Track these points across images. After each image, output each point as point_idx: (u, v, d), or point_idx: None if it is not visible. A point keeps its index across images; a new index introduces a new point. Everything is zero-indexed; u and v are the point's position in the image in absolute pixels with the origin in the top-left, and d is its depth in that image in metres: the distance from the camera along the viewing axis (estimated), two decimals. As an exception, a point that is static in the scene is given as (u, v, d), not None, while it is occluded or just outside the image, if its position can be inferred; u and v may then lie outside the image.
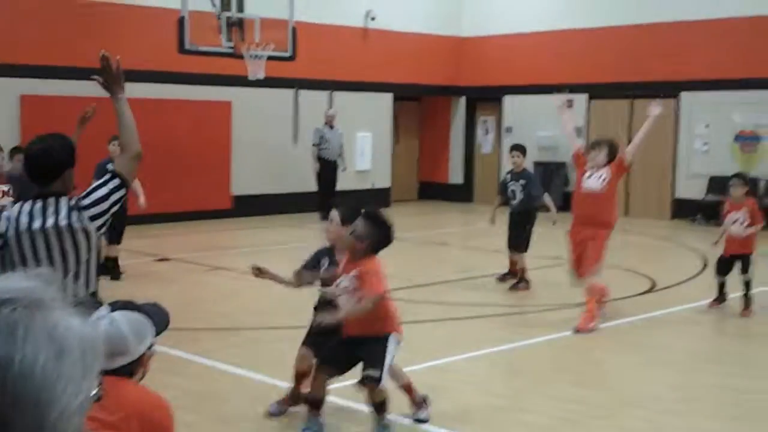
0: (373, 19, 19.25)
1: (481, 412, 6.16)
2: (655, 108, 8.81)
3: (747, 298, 8.95)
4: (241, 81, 15.19)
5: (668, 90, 17.58)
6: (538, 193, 10.53)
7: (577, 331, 8.19)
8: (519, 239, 10.36)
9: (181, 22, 13.51)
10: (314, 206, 17.19)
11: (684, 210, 17.28)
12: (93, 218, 4.11)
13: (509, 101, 20.32)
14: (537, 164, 18.42)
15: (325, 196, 17.15)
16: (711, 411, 6.22)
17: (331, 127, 17.30)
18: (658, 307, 9.48)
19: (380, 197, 19.46)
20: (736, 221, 8.91)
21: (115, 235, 10.37)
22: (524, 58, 19.80)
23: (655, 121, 8.80)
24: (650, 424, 5.88)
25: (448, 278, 11.20)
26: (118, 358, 2.83)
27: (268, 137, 17.66)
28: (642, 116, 17.64)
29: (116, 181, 4.17)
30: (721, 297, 9.21)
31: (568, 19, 19.11)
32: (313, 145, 17.15)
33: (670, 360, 7.55)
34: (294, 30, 14.79)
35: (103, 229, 4.23)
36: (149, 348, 2.95)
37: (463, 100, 21.36)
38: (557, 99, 9.63)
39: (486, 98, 20.88)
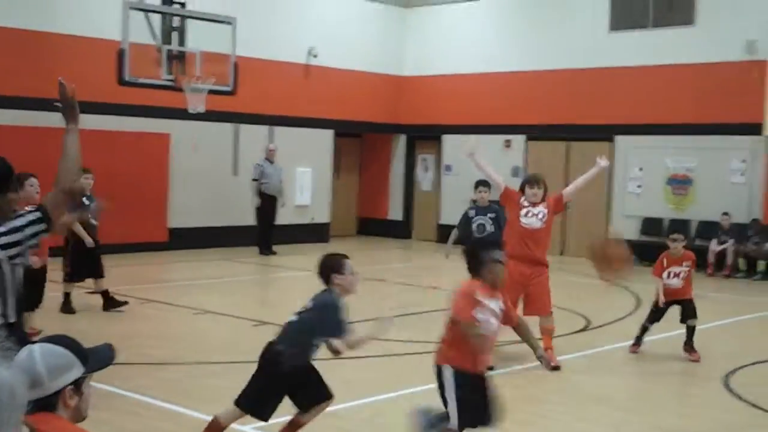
0: (315, 56, 19.34)
1: None
2: (603, 161, 8.96)
3: (691, 341, 8.99)
4: (181, 114, 15.10)
5: (603, 133, 17.98)
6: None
7: (555, 368, 8.02)
8: None
9: (121, 54, 13.40)
10: (253, 240, 17.10)
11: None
12: (4, 246, 3.99)
13: (448, 140, 20.54)
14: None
15: (264, 230, 17.11)
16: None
17: (272, 162, 17.28)
18: (593, 346, 9.60)
19: (319, 232, 19.45)
20: (678, 275, 8.98)
21: (78, 273, 10.42)
22: (464, 99, 20.08)
23: (600, 171, 8.93)
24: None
25: (385, 314, 11.15)
26: (32, 391, 2.74)
27: (207, 170, 17.54)
28: (578, 158, 18.10)
29: (36, 215, 4.02)
30: (639, 341, 9.26)
31: (507, 62, 19.46)
32: (254, 179, 17.11)
33: (604, 397, 7.62)
34: (235, 65, 14.77)
35: (18, 260, 4.08)
36: (77, 385, 2.86)
37: (403, 138, 21.53)
38: (467, 146, 9.41)
39: (426, 136, 21.08)
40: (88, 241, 10.40)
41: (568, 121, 18.52)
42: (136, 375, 7.77)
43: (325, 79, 19.61)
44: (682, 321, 9.06)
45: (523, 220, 8.51)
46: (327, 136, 19.88)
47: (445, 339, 5.33)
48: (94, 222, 10.66)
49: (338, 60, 19.83)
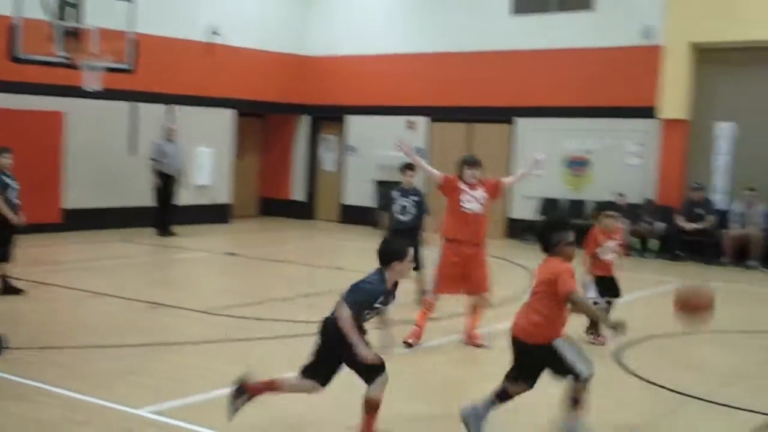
0: (216, 34, 19.00)
1: (314, 426, 6.11)
2: (539, 155, 9.22)
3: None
4: (77, 92, 14.65)
5: (504, 115, 18.23)
6: (427, 210, 10.56)
7: (478, 344, 8.51)
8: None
9: (12, 29, 12.91)
10: (150, 221, 16.74)
11: (517, 230, 17.90)
12: None
13: (352, 121, 20.50)
14: (379, 183, 18.64)
15: (162, 211, 16.76)
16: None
17: (171, 141, 16.92)
18: (493, 322, 9.71)
19: (220, 213, 19.20)
20: (614, 250, 9.15)
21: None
22: (367, 80, 20.07)
23: (537, 166, 9.06)
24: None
25: (288, 295, 11.10)
26: None
27: (103, 150, 17.06)
28: (480, 140, 18.31)
29: None
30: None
31: (411, 43, 19.51)
32: (151, 159, 16.73)
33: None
34: (134, 42, 14.41)
35: None
36: None
37: (307, 118, 21.38)
38: (402, 146, 9.19)
39: (329, 117, 20.99)
40: (15, 218, 10.10)
41: (470, 103, 18.70)
42: (27, 359, 7.51)
43: (227, 58, 19.30)
44: (607, 297, 9.07)
45: (465, 205, 8.49)
46: (229, 115, 19.58)
47: (538, 320, 5.68)
48: (17, 201, 10.28)
49: (241, 39, 19.54)
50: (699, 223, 15.43)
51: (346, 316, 5.50)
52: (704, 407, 6.95)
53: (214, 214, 18.97)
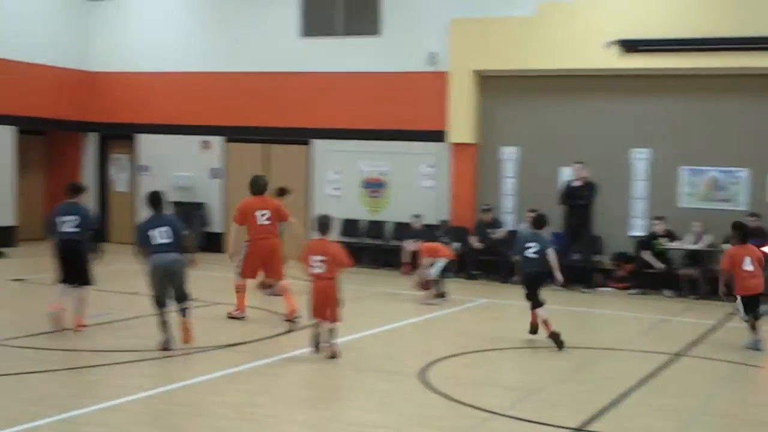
0: (-8, 47, 17.88)
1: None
2: None
3: None
4: None
5: (300, 136, 18.29)
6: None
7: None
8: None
9: None
10: None
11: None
12: None
13: (144, 140, 19.86)
14: (176, 204, 18.12)
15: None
16: None
17: None
18: (297, 347, 9.66)
19: (4, 236, 17.97)
20: None
21: None
22: (159, 98, 19.54)
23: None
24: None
25: (85, 322, 10.52)
26: None
27: None
28: (277, 160, 18.23)
29: None
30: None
31: (204, 62, 19.18)
32: None
33: (307, 399, 7.66)
34: None
35: None
36: None
37: (94, 137, 20.49)
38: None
39: (119, 135, 20.22)
40: None
41: (266, 123, 18.60)
42: None
43: (4, 72, 18.16)
44: None
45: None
46: (8, 133, 18.40)
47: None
48: None
49: (17, 52, 18.43)
50: (489, 241, 16.05)
51: None
52: (504, 422, 7.18)
53: (-7, 238, 17.75)
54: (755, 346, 10.33)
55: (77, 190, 10.66)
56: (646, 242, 15.28)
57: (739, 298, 10.47)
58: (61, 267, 10.19)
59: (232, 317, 11.28)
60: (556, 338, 10.00)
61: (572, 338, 10.22)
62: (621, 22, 15.55)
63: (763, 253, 10.95)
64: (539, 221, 10.81)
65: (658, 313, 13.12)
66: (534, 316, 10.47)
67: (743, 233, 10.78)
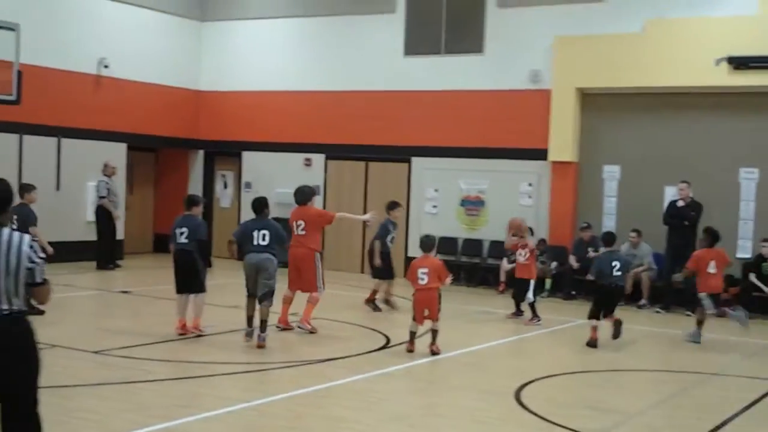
0: (106, 66, 18.62)
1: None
2: (370, 217, 12.68)
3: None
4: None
5: (400, 154, 18.42)
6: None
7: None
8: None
9: None
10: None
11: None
12: None
13: (248, 157, 20.35)
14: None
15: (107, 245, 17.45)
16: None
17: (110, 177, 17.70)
18: (391, 363, 9.73)
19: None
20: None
21: None
22: (264, 116, 20.01)
23: (367, 221, 12.96)
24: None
25: (184, 335, 10.84)
26: None
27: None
28: (376, 178, 18.42)
29: None
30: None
31: (307, 81, 19.56)
32: (101, 197, 17.42)
33: (402, 415, 7.72)
34: (19, 72, 13.96)
35: None
36: None
37: (201, 154, 21.11)
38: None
39: (225, 153, 20.78)
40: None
41: (366, 141, 18.81)
42: None
43: (117, 90, 18.92)
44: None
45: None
46: (120, 149, 19.13)
47: None
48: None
49: (132, 72, 19.20)
50: (588, 260, 15.77)
51: None
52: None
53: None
54: (695, 339, 11.71)
55: (191, 202, 11.24)
56: (754, 265, 14.82)
57: (705, 294, 11.70)
58: (176, 276, 10.93)
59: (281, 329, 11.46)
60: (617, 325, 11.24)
61: (672, 361, 9.99)
62: (730, 39, 15.17)
63: (726, 258, 12.12)
64: (610, 238, 11.94)
65: (765, 338, 12.69)
66: (595, 331, 11.20)
67: (713, 238, 11.97)
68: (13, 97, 14.09)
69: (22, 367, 4.90)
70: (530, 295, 13.05)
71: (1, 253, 4.82)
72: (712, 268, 11.72)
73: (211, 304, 12.89)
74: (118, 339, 10.42)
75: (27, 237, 4.92)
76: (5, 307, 4.82)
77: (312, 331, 11.27)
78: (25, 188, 12.39)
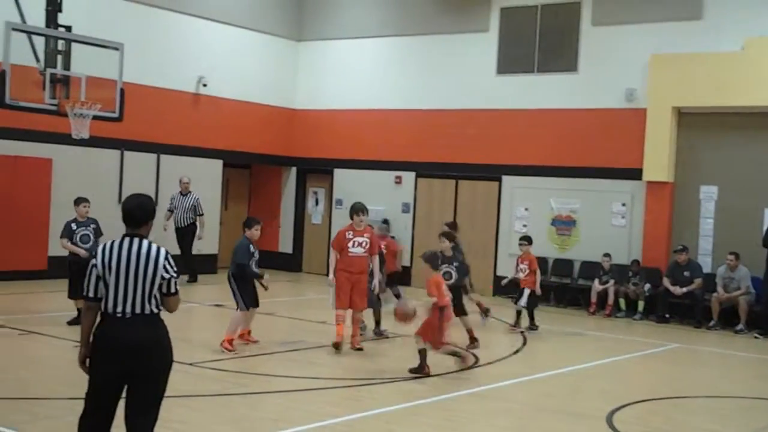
0: (204, 85, 19.13)
1: None
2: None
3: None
4: (65, 139, 14.64)
5: (491, 173, 18.35)
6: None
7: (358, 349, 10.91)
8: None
9: (1, 75, 12.91)
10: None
11: (505, 287, 17.80)
12: None
13: (339, 174, 20.57)
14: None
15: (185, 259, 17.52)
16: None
17: (183, 194, 17.83)
18: (481, 383, 9.67)
19: (207, 263, 19.06)
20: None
21: None
22: (356, 134, 20.21)
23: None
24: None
25: (274, 349, 11.01)
26: None
27: (91, 198, 16.93)
28: (466, 196, 18.37)
29: None
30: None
31: (399, 100, 19.70)
32: (169, 210, 17.75)
33: (492, 436, 7.66)
34: (122, 91, 14.43)
35: None
36: None
37: (293, 171, 21.44)
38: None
39: (317, 170, 21.06)
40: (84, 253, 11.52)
41: (457, 159, 18.82)
42: (10, 409, 7.38)
43: (214, 108, 19.40)
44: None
45: (351, 250, 10.93)
46: (216, 166, 19.60)
47: None
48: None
49: (229, 90, 19.67)
50: (685, 286, 15.41)
51: None
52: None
53: (201, 265, 18.84)
54: None
55: (246, 224, 11.51)
56: None
57: None
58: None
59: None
60: None
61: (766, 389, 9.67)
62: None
63: None
64: None
65: None
66: None
67: None
68: (116, 114, 14.57)
69: (157, 362, 5.22)
70: (522, 302, 13.63)
71: (139, 263, 5.23)
72: None
73: (301, 319, 13.05)
74: (205, 352, 10.60)
75: (164, 250, 5.31)
76: (138, 311, 5.18)
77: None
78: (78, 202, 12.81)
